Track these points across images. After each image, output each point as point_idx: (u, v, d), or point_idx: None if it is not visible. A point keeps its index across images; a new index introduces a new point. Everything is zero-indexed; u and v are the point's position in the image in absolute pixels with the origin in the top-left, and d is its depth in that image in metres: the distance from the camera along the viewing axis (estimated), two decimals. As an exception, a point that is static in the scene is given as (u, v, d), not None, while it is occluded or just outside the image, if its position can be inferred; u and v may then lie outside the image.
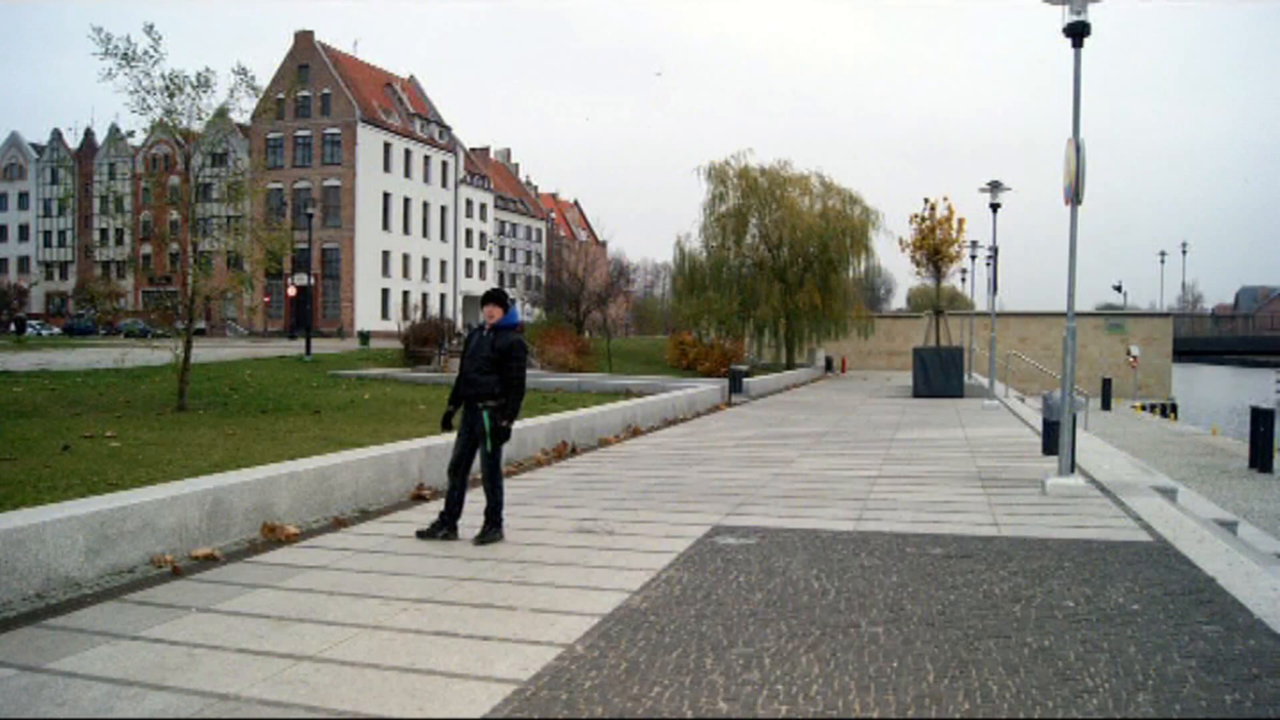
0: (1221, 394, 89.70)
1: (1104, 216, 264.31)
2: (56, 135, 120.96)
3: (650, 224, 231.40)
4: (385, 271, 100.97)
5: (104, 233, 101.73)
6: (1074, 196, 12.99)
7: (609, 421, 19.62)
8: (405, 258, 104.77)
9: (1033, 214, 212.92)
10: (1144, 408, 52.30)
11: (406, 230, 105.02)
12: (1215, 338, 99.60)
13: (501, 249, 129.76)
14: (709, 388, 30.42)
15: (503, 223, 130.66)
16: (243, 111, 24.79)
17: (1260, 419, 25.04)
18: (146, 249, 65.29)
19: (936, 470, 15.27)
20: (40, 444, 15.32)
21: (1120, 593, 7.85)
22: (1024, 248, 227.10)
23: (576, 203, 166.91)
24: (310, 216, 57.53)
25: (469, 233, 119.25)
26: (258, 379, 32.52)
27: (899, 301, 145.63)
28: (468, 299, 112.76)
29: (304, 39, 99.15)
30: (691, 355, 51.78)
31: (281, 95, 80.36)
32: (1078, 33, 13.03)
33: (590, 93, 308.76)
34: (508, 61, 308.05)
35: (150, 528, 8.38)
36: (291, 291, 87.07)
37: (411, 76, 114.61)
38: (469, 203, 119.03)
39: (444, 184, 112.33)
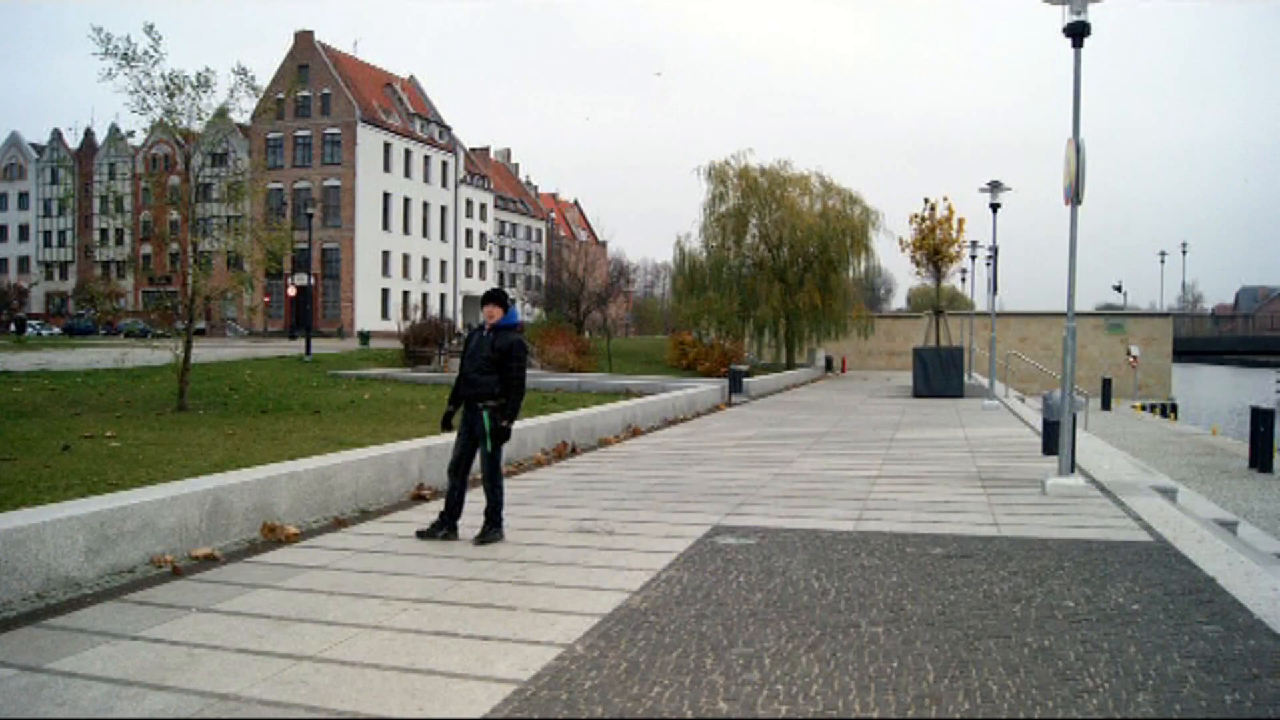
0: (1221, 394, 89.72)
1: (1104, 217, 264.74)
2: (56, 135, 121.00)
3: (650, 224, 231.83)
4: (385, 271, 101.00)
5: (104, 233, 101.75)
6: (1074, 197, 12.99)
7: (609, 421, 19.62)
8: (405, 258, 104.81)
9: (1033, 214, 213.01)
10: (1144, 408, 52.27)
11: (406, 230, 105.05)
12: (1215, 338, 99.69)
13: (501, 249, 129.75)
14: (709, 388, 30.41)
15: (503, 223, 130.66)
16: (243, 111, 24.81)
17: (1260, 419, 25.02)
18: (146, 249, 65.21)
19: (936, 470, 15.26)
20: (40, 444, 15.32)
21: (1120, 593, 7.85)
22: (1024, 248, 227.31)
23: (576, 203, 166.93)
24: (310, 216, 57.56)
25: (469, 233, 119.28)
26: (258, 379, 32.52)
27: (899, 301, 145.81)
28: (468, 299, 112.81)
29: (304, 39, 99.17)
30: (691, 355, 51.77)
31: (281, 95, 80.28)
32: (1078, 33, 13.02)
33: (590, 93, 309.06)
34: (508, 61, 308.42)
35: (150, 528, 8.38)
36: (291, 291, 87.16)
37: (411, 76, 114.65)
38: (469, 203, 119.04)
39: (444, 184, 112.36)
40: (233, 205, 27.08)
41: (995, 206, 31.43)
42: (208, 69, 22.78)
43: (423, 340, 46.06)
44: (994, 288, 42.22)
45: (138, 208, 62.39)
